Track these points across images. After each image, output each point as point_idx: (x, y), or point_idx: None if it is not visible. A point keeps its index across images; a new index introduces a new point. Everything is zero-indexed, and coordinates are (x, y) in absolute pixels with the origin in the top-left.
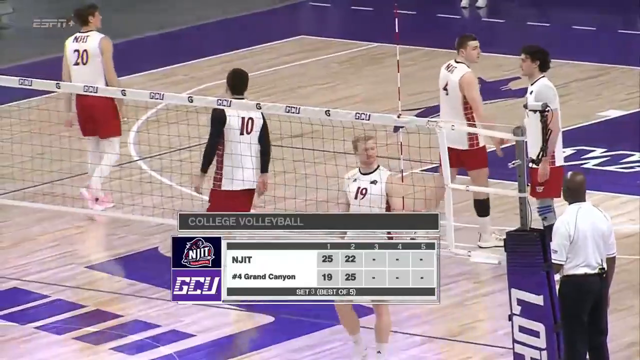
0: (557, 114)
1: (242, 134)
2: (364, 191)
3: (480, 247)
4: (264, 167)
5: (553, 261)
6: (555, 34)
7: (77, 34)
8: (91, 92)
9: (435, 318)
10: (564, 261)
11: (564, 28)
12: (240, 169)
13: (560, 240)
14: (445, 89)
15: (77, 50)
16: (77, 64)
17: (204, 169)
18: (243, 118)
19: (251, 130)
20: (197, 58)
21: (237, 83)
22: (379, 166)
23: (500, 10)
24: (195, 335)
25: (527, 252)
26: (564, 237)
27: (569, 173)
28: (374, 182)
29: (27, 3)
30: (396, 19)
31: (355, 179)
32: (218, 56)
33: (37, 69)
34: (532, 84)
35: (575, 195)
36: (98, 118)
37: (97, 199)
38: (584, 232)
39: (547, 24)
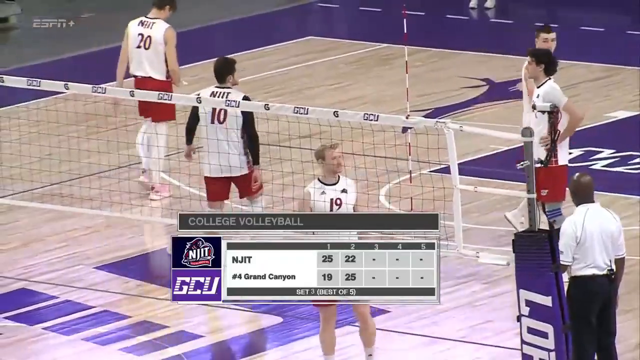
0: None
1: (212, 122)
2: (338, 201)
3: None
4: (254, 160)
5: (561, 261)
6: (564, 34)
7: (143, 19)
8: (100, 92)
9: (444, 319)
10: (570, 262)
11: (572, 29)
12: (216, 156)
13: (566, 241)
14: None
15: (142, 34)
16: (139, 47)
17: (186, 141)
18: (214, 108)
19: (223, 120)
20: (206, 59)
21: (215, 72)
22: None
23: (508, 11)
24: (203, 336)
25: (536, 253)
26: (570, 237)
27: (577, 174)
28: (344, 191)
29: (35, 3)
30: (404, 20)
31: (324, 192)
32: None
33: (45, 69)
34: (538, 87)
35: (583, 196)
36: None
37: (152, 188)
38: (592, 233)
39: (556, 25)
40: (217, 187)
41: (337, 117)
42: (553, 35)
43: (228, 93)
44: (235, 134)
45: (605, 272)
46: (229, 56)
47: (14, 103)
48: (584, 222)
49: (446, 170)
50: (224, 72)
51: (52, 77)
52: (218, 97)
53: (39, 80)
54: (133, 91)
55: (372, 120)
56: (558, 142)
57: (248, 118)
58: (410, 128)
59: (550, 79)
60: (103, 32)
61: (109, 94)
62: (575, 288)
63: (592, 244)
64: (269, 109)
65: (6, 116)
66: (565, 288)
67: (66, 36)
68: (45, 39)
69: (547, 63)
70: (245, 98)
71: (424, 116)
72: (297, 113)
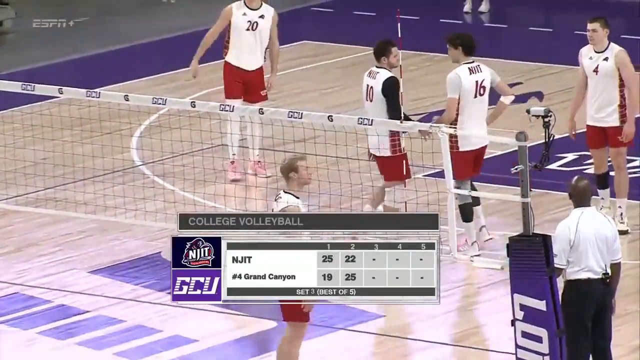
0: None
1: (366, 100)
2: None
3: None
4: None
5: (556, 265)
6: (558, 39)
7: (246, 10)
8: (94, 96)
9: (438, 323)
10: (564, 265)
11: (566, 33)
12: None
13: (560, 244)
14: None
15: (250, 21)
16: (248, 30)
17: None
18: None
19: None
20: (200, 63)
21: (373, 53)
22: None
23: (503, 15)
24: (198, 340)
25: (530, 258)
26: (564, 241)
27: (574, 178)
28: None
29: (29, 7)
30: (399, 24)
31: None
32: (220, 61)
33: (40, 73)
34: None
35: (579, 200)
36: (251, 85)
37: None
38: (586, 236)
39: (550, 29)
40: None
41: (331, 121)
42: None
43: (377, 73)
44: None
45: (600, 276)
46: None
47: (8, 107)
48: (578, 226)
49: (440, 174)
50: (378, 54)
51: (47, 81)
52: (371, 76)
53: (33, 84)
54: (127, 95)
55: (366, 124)
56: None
57: (391, 101)
58: (405, 132)
59: (467, 62)
60: (97, 36)
61: (103, 99)
62: (571, 292)
63: (586, 248)
64: (263, 113)
65: (0, 120)
66: (560, 292)
67: (61, 40)
68: (40, 43)
69: (464, 45)
70: (389, 81)
71: (418, 120)
72: (291, 117)
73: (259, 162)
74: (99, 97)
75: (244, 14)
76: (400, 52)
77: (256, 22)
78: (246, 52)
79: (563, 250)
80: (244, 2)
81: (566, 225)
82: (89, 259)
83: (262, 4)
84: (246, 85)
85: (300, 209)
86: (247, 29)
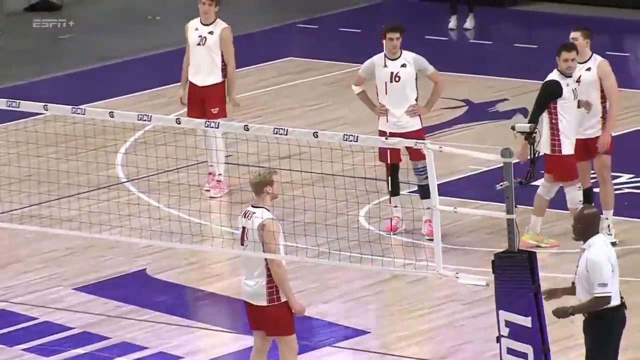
0: None
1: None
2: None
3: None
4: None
5: (604, 294)
6: (543, 55)
7: (198, 25)
8: (79, 113)
9: (424, 340)
10: (611, 293)
11: (551, 50)
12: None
13: (608, 273)
14: None
15: (200, 36)
16: (199, 44)
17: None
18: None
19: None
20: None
21: None
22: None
23: (487, 32)
24: (182, 358)
25: (515, 274)
26: (609, 268)
27: (581, 208)
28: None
29: (17, 24)
30: (384, 41)
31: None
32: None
33: (25, 90)
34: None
35: (594, 227)
36: (204, 101)
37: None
38: (615, 262)
39: (535, 46)
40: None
41: (316, 137)
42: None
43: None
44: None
45: (622, 300)
46: None
47: None
48: (611, 251)
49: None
50: None
51: (33, 98)
52: None
53: (18, 101)
54: (112, 112)
55: (351, 141)
56: None
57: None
58: (390, 148)
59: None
60: (82, 53)
61: (88, 115)
62: (609, 319)
63: (616, 273)
64: (248, 130)
65: None
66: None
67: (44, 58)
68: (24, 60)
69: None
70: None
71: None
72: (276, 134)
73: (219, 181)
74: (84, 114)
75: (196, 29)
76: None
77: (205, 37)
78: (199, 68)
79: (610, 278)
80: (199, 18)
81: (603, 253)
82: (74, 276)
83: (215, 19)
84: (203, 102)
85: (277, 224)
86: (198, 44)
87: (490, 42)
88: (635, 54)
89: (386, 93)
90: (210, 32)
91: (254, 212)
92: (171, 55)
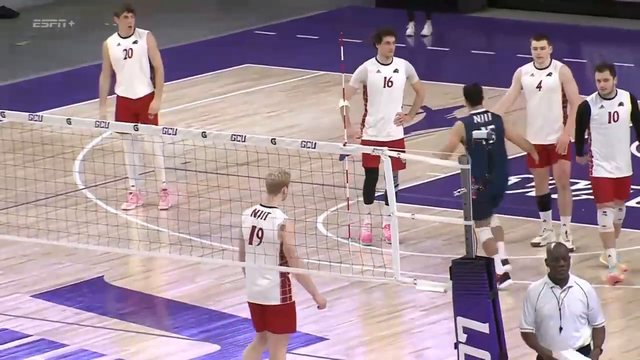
0: None
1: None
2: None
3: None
4: None
5: (603, 324)
6: (500, 62)
7: (119, 40)
8: (36, 120)
9: (383, 346)
10: None
11: (508, 56)
12: None
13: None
14: None
15: (125, 50)
16: (125, 58)
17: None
18: None
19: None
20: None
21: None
22: None
23: (445, 38)
24: None
25: (473, 281)
26: None
27: (555, 247)
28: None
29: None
30: (341, 48)
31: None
32: (164, 84)
33: None
34: None
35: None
36: (141, 113)
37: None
38: None
39: (492, 52)
40: None
41: (274, 144)
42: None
43: None
44: None
45: None
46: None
47: None
48: None
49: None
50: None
51: None
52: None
53: None
54: (70, 119)
55: (309, 147)
56: None
57: None
58: (348, 155)
59: None
60: (39, 59)
61: (46, 122)
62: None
63: None
64: (206, 137)
65: None
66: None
67: (3, 64)
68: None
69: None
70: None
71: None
72: (234, 140)
73: (164, 189)
74: (41, 121)
75: (118, 44)
76: (343, 75)
77: (131, 48)
78: (130, 81)
79: None
80: (117, 33)
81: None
82: (32, 283)
83: (134, 30)
84: (138, 114)
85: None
86: (125, 58)
87: (447, 49)
88: (591, 60)
89: (379, 98)
90: (135, 42)
91: (269, 212)
92: None
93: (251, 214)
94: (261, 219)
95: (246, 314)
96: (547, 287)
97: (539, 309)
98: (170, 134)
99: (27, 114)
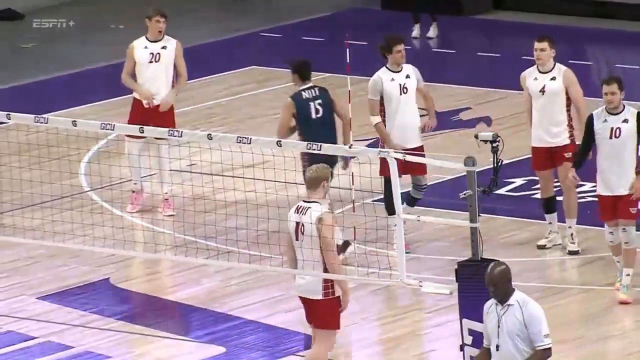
0: None
1: None
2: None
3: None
4: None
5: (550, 345)
6: (506, 64)
7: (147, 43)
8: (42, 122)
9: (388, 349)
10: None
11: (514, 58)
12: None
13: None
14: None
15: (152, 53)
16: (151, 62)
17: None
18: None
19: None
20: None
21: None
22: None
23: (450, 41)
24: None
25: (478, 283)
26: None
27: (491, 268)
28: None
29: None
30: (347, 50)
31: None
32: None
33: None
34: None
35: (511, 283)
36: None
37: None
38: None
39: (498, 54)
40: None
41: (280, 146)
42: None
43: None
44: None
45: None
46: None
47: None
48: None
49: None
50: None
51: None
52: None
53: None
54: (75, 121)
55: (315, 149)
56: None
57: None
58: (354, 157)
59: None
60: (45, 62)
61: (51, 124)
62: None
63: None
64: (212, 139)
65: None
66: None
67: (7, 66)
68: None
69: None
70: None
71: (367, 145)
72: (240, 142)
73: (166, 199)
74: (47, 123)
75: (145, 47)
76: (348, 77)
77: (159, 53)
78: (151, 85)
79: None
80: (145, 36)
81: (538, 305)
82: (37, 285)
83: (163, 36)
84: (155, 119)
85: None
86: (150, 61)
87: (453, 51)
88: (596, 62)
89: (397, 106)
90: (164, 47)
91: (310, 207)
92: None
93: (295, 211)
94: (302, 214)
95: (252, 315)
96: (493, 303)
97: (485, 326)
98: (176, 136)
99: (33, 116)
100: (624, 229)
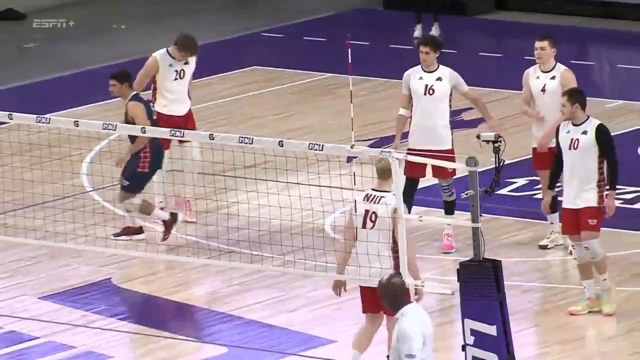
0: None
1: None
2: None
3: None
4: None
5: None
6: (508, 64)
7: (171, 61)
8: (44, 122)
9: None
10: None
11: (516, 58)
12: None
13: (418, 344)
14: None
15: (177, 71)
16: (176, 79)
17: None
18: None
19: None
20: (150, 89)
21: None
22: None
23: (452, 41)
24: None
25: (480, 283)
26: (420, 340)
27: (387, 278)
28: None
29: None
30: (349, 50)
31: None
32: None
33: None
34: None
35: (405, 297)
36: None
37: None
38: (430, 333)
39: (500, 54)
40: None
41: (282, 146)
42: (542, 43)
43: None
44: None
45: None
46: None
47: None
48: (425, 321)
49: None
50: None
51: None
52: None
53: None
54: (77, 121)
55: (317, 149)
56: None
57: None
58: (355, 157)
59: None
60: (47, 62)
61: (53, 124)
62: None
63: (428, 345)
64: (213, 139)
65: None
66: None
67: (11, 65)
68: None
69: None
70: None
71: (368, 146)
72: (242, 143)
73: (188, 200)
74: (48, 123)
75: (170, 65)
76: (350, 77)
77: (182, 69)
78: (176, 100)
79: (419, 349)
80: (167, 51)
81: (416, 322)
82: (39, 285)
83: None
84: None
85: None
86: (176, 79)
87: (455, 51)
88: (599, 63)
89: (420, 105)
90: (186, 63)
91: (383, 197)
92: (136, 64)
93: (364, 199)
94: (374, 202)
95: (253, 316)
96: None
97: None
98: (178, 136)
99: (35, 116)
100: (586, 247)
